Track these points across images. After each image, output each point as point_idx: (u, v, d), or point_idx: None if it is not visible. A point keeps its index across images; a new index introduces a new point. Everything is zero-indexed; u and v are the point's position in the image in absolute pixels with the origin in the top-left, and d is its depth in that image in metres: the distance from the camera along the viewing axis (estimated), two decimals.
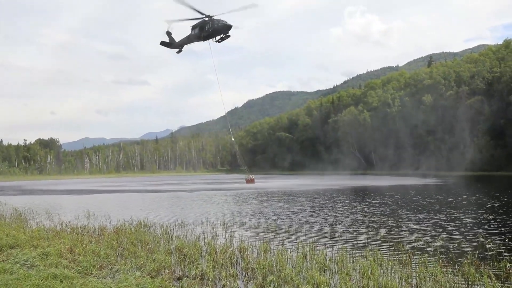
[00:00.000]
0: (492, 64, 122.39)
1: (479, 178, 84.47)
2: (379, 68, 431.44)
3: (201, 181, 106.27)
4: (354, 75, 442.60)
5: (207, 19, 40.69)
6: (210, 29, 40.66)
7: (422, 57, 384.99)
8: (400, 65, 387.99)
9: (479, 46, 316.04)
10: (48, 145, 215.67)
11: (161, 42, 45.73)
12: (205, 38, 41.80)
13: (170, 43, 45.70)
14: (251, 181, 74.26)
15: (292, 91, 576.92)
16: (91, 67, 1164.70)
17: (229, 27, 40.62)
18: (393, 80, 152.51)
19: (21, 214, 28.04)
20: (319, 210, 30.18)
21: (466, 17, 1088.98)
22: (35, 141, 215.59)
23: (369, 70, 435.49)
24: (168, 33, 45.42)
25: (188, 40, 43.95)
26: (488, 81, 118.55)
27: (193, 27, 42.39)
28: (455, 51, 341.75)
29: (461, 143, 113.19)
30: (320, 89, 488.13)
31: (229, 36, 41.55)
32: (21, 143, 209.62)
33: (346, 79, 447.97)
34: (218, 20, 40.45)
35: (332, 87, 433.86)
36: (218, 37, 41.46)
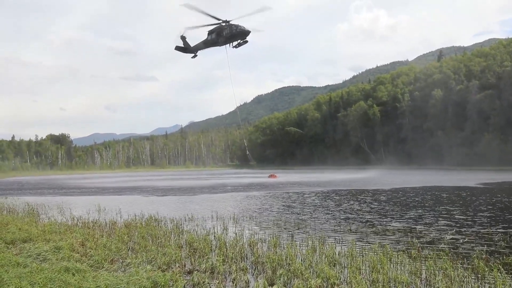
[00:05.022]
0: (502, 58, 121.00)
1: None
2: (388, 63, 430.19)
3: (242, 176, 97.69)
4: (363, 70, 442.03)
5: (224, 24, 39.38)
6: (228, 35, 39.29)
7: (431, 51, 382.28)
8: (409, 60, 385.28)
9: (489, 40, 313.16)
10: (59, 140, 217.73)
11: (176, 47, 44.42)
12: (222, 43, 40.50)
13: (185, 48, 44.36)
14: (273, 176, 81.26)
15: (301, 86, 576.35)
16: (99, 63, 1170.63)
17: (247, 32, 39.26)
18: (402, 75, 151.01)
19: (33, 209, 28.34)
20: None
21: (474, 10, 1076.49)
22: (46, 136, 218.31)
23: (378, 65, 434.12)
24: (183, 38, 44.12)
25: (204, 45, 42.56)
26: (498, 75, 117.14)
27: (210, 32, 40.99)
28: (465, 45, 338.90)
29: (472, 137, 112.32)
30: (329, 84, 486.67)
31: (247, 41, 40.11)
32: (33, 138, 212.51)
33: (355, 74, 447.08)
34: (237, 26, 38.99)
35: (341, 82, 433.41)
36: (235, 43, 40.16)
